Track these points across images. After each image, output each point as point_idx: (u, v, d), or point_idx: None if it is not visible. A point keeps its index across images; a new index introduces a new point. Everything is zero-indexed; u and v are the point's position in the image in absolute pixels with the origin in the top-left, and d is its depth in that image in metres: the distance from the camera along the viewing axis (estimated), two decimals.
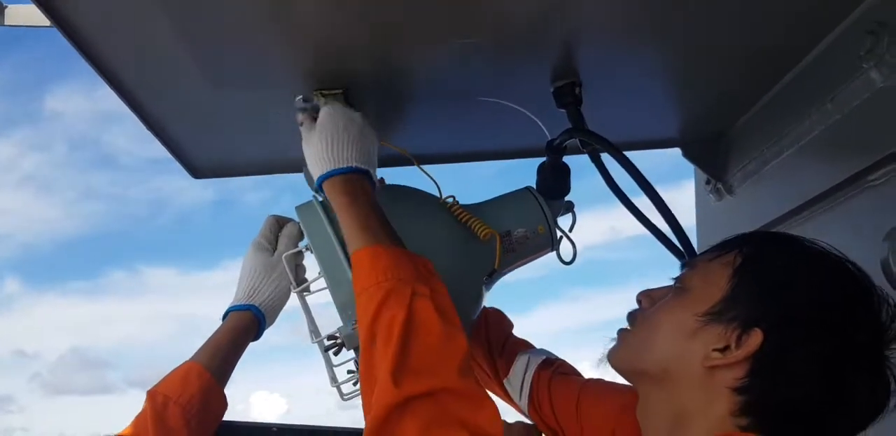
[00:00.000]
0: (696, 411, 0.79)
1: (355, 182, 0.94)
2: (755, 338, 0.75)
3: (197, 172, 1.25)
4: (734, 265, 0.80)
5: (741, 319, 0.77)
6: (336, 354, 0.93)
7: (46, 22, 1.06)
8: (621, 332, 0.89)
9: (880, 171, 1.08)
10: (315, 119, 1.00)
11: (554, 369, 1.15)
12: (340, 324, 0.93)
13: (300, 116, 1.02)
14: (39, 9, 0.82)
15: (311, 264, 1.05)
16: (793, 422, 0.76)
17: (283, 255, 1.01)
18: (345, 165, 0.94)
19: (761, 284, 0.78)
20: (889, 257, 0.93)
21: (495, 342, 1.22)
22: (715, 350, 0.77)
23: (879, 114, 1.05)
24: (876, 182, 1.09)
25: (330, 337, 0.92)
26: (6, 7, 1.14)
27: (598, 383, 1.12)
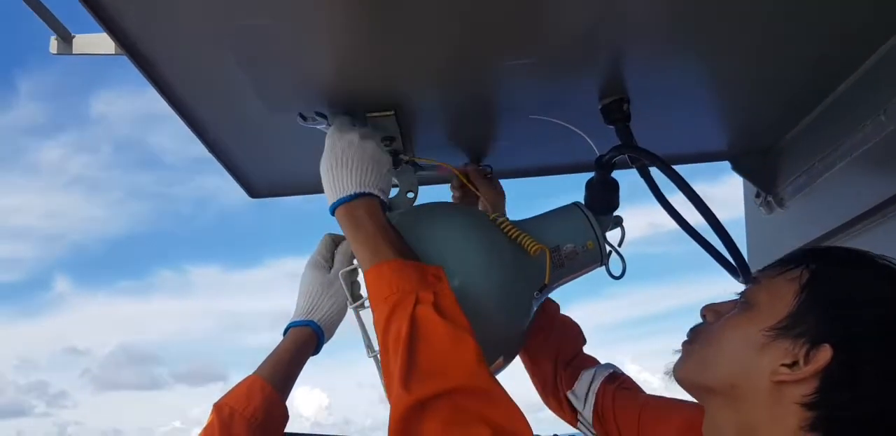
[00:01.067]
0: (765, 426, 0.78)
1: (358, 208, 0.97)
2: (824, 354, 0.74)
3: (254, 191, 1.30)
4: (801, 281, 0.79)
5: (809, 335, 0.76)
6: None
7: (113, 50, 1.12)
8: (685, 345, 0.89)
9: None
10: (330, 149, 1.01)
11: (619, 384, 1.17)
12: None
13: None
14: (111, 38, 0.86)
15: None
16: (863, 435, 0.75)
17: (339, 272, 1.03)
18: (345, 194, 0.97)
19: (829, 299, 0.78)
20: None
21: (563, 356, 1.23)
22: (783, 365, 0.77)
23: None
24: None
25: None
26: (74, 36, 1.20)
27: (661, 400, 1.12)
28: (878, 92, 1.13)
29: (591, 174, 1.18)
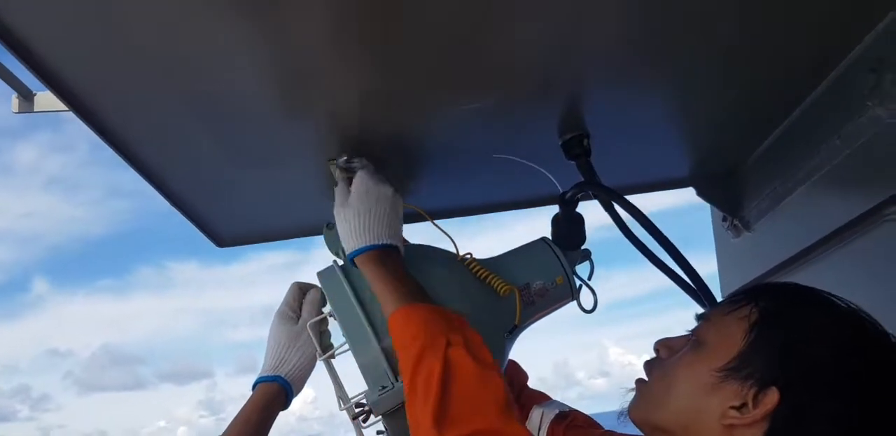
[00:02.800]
0: None
1: (387, 256, 0.99)
2: (771, 397, 0.75)
3: (221, 241, 1.29)
4: (750, 320, 0.80)
5: (757, 377, 0.76)
6: (365, 421, 0.94)
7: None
8: (639, 383, 0.89)
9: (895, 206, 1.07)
10: (350, 181, 1.04)
11: (568, 423, 1.16)
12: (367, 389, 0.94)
13: (338, 174, 1.06)
14: (57, 97, 0.86)
15: (336, 329, 1.07)
16: None
17: (308, 323, 1.03)
18: (377, 242, 0.99)
19: (776, 341, 0.78)
20: None
21: (513, 390, 1.22)
22: (732, 408, 0.77)
23: (889, 149, 1.06)
24: (893, 216, 1.09)
25: (357, 405, 0.93)
26: (35, 94, 1.19)
27: (609, 435, 1.11)
28: (832, 117, 1.15)
29: (555, 207, 1.19)
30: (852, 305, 0.80)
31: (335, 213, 1.03)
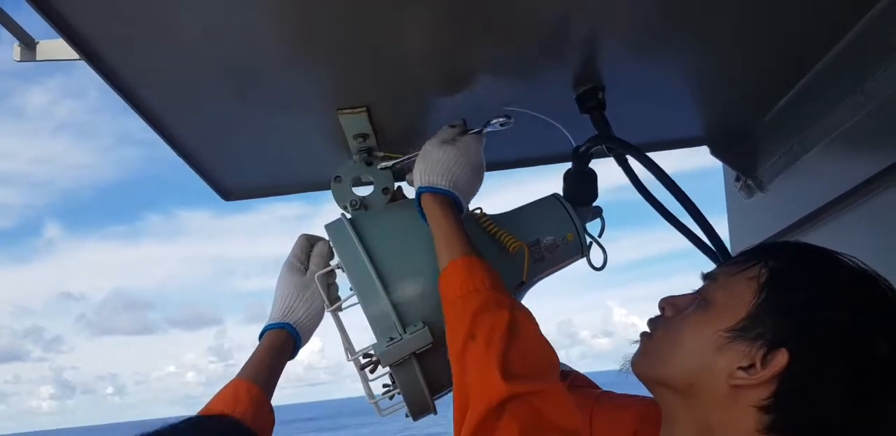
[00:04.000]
0: (722, 427, 0.79)
1: (456, 208, 0.99)
2: (781, 358, 0.74)
3: (227, 194, 1.27)
4: (759, 280, 0.78)
5: (767, 338, 0.76)
6: (372, 371, 0.94)
7: (76, 55, 1.09)
8: (644, 336, 0.88)
9: None
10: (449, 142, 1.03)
11: (569, 382, 1.16)
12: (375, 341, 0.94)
13: (449, 131, 1.05)
14: (67, 43, 0.84)
15: (344, 282, 1.06)
16: None
17: (315, 275, 1.02)
18: (454, 191, 0.98)
19: (788, 302, 0.77)
20: None
21: None
22: (740, 368, 0.76)
23: None
24: None
25: (365, 355, 0.93)
26: (38, 43, 1.16)
27: (613, 396, 1.12)
28: (855, 71, 1.12)
29: (569, 164, 1.17)
30: (865, 266, 0.79)
31: (431, 143, 1.02)
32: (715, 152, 1.41)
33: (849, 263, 0.79)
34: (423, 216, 0.98)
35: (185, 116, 1.03)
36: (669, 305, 0.87)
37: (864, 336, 0.75)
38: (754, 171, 1.39)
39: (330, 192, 1.11)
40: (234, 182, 1.25)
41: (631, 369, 0.87)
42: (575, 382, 1.16)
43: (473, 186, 1.02)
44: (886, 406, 0.74)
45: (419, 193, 0.98)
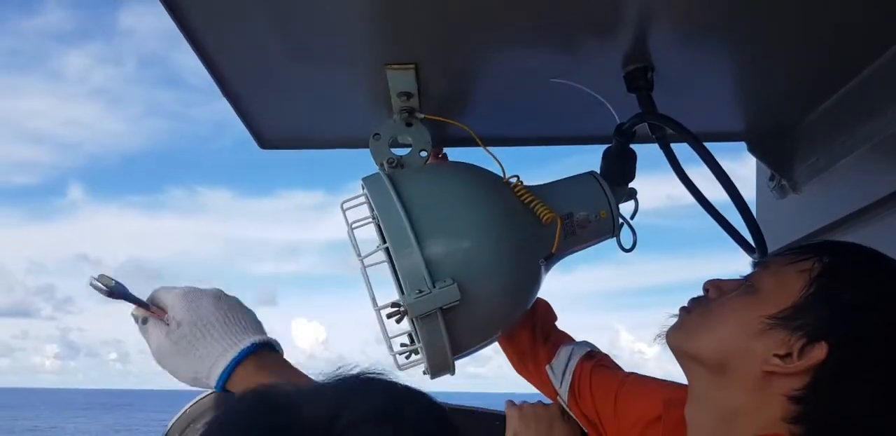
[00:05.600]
0: (748, 412, 0.78)
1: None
2: (819, 351, 0.74)
3: (264, 142, 1.27)
4: (812, 273, 0.78)
5: (808, 330, 0.76)
6: (398, 321, 0.94)
7: None
8: (682, 311, 0.88)
9: None
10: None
11: (596, 362, 1.16)
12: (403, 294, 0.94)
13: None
14: None
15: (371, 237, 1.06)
16: None
17: (350, 225, 1.01)
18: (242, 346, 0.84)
19: (837, 297, 0.77)
20: None
21: (541, 329, 1.23)
22: (776, 356, 0.76)
23: None
24: None
25: (393, 304, 0.93)
26: None
27: (640, 378, 1.12)
28: None
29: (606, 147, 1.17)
30: None
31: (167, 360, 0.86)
32: (752, 149, 1.40)
33: None
34: None
35: (238, 58, 1.03)
36: (714, 286, 0.87)
37: None
38: (790, 171, 1.38)
39: (365, 160, 1.12)
40: (274, 130, 1.25)
41: (665, 341, 0.87)
42: (601, 362, 1.16)
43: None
44: None
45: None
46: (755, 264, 0.89)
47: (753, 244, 1.03)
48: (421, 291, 0.91)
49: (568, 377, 1.15)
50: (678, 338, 0.86)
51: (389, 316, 0.92)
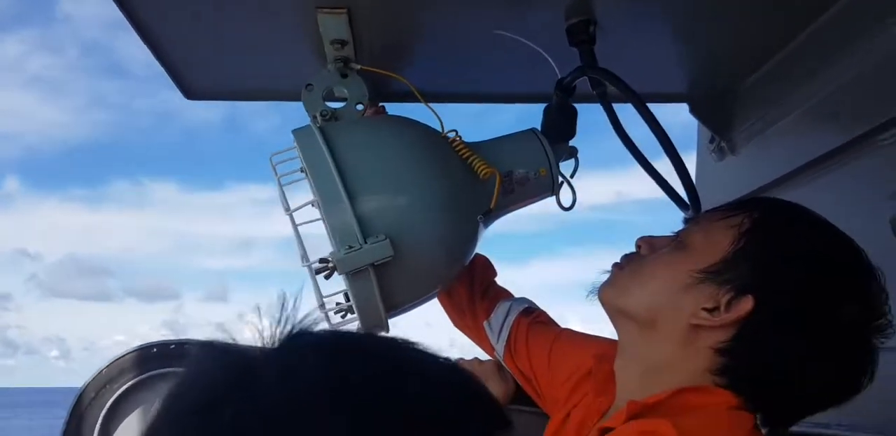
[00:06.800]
0: (674, 364, 0.79)
1: None
2: (746, 304, 0.75)
3: (190, 92, 1.21)
4: (741, 229, 0.79)
5: (736, 284, 0.76)
6: (327, 278, 0.91)
7: None
8: (615, 267, 0.88)
9: (889, 131, 1.05)
10: None
11: (533, 318, 1.16)
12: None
13: None
14: None
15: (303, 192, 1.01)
16: (769, 388, 0.76)
17: (280, 178, 0.97)
18: None
19: (764, 252, 0.78)
20: None
21: (479, 285, 1.22)
22: (704, 309, 0.77)
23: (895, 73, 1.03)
24: (885, 142, 1.07)
25: (321, 260, 0.89)
26: None
27: (573, 334, 1.13)
28: (843, 38, 1.11)
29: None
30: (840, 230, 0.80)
31: None
32: (694, 111, 1.40)
33: (831, 226, 0.81)
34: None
35: (158, 1, 0.97)
36: (646, 243, 0.87)
37: (832, 296, 0.76)
38: (729, 133, 1.39)
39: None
40: (200, 80, 1.18)
41: (597, 297, 0.87)
42: (538, 318, 1.16)
43: None
44: (840, 363, 0.76)
45: None
46: (686, 221, 0.89)
47: (688, 201, 1.02)
48: (351, 247, 0.88)
49: (505, 333, 1.15)
50: (610, 294, 0.86)
51: (318, 272, 0.89)
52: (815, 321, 0.75)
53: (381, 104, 1.18)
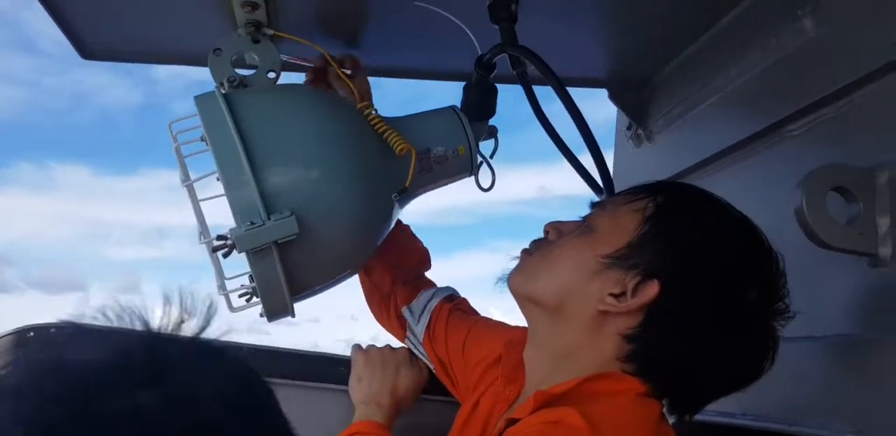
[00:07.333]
0: (583, 351, 0.79)
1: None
2: (651, 289, 0.75)
3: (87, 52, 1.11)
4: (646, 213, 0.79)
5: (642, 268, 0.76)
6: (225, 256, 0.85)
7: None
8: (524, 253, 0.87)
9: (799, 121, 1.08)
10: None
11: (455, 305, 1.15)
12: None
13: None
14: None
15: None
16: (675, 374, 0.76)
17: (179, 146, 0.90)
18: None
19: (669, 235, 0.77)
20: (802, 203, 0.94)
21: (408, 274, 1.19)
22: (611, 295, 0.76)
23: (805, 64, 1.05)
24: (794, 132, 1.10)
25: (220, 237, 0.84)
26: None
27: (489, 321, 1.12)
28: (758, 28, 1.13)
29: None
30: (743, 215, 0.81)
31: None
32: (612, 97, 1.40)
33: (734, 211, 0.81)
34: None
35: None
36: (554, 228, 0.86)
37: (736, 281, 0.76)
38: (646, 121, 1.40)
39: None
40: (98, 39, 1.09)
41: (506, 284, 0.86)
42: (458, 306, 1.14)
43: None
44: (744, 348, 0.77)
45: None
46: (593, 205, 0.88)
47: (602, 185, 1.02)
48: (253, 223, 0.82)
49: (426, 317, 1.13)
50: (517, 280, 0.85)
51: (216, 249, 0.83)
52: (719, 306, 0.76)
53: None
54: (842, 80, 0.93)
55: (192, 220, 0.92)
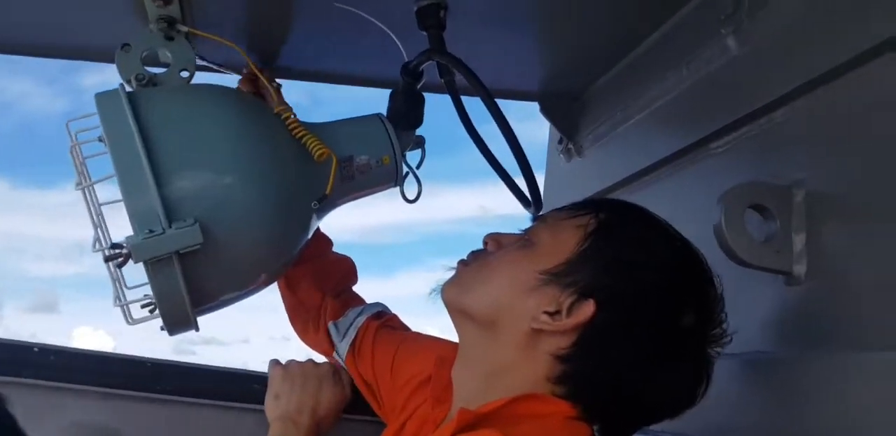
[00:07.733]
0: (513, 370, 0.75)
1: None
2: (587, 308, 0.72)
3: None
4: (587, 229, 0.76)
5: (579, 287, 0.73)
6: (119, 266, 0.79)
7: None
8: (460, 264, 0.84)
9: (723, 138, 1.09)
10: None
11: (383, 322, 1.11)
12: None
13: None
14: None
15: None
16: (606, 397, 0.74)
17: (77, 145, 0.83)
18: None
19: (609, 253, 0.75)
20: (721, 220, 0.95)
21: (335, 287, 1.15)
22: (546, 313, 0.74)
23: (729, 82, 1.06)
24: (718, 150, 1.11)
25: (115, 246, 0.77)
26: None
27: (420, 337, 1.08)
28: (683, 45, 1.14)
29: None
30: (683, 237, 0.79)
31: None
32: (543, 110, 1.40)
33: (676, 233, 0.79)
34: None
35: None
36: (493, 240, 0.83)
37: (673, 303, 0.74)
38: (577, 135, 1.40)
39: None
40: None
41: (440, 296, 0.82)
42: (388, 323, 1.10)
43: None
44: (677, 372, 0.75)
45: None
46: (534, 218, 0.86)
47: (530, 198, 1.00)
48: (152, 232, 0.77)
49: (351, 334, 1.08)
50: (451, 292, 0.81)
51: (109, 259, 0.77)
52: (655, 329, 0.73)
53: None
54: (763, 98, 0.94)
55: (113, 235, 0.85)
